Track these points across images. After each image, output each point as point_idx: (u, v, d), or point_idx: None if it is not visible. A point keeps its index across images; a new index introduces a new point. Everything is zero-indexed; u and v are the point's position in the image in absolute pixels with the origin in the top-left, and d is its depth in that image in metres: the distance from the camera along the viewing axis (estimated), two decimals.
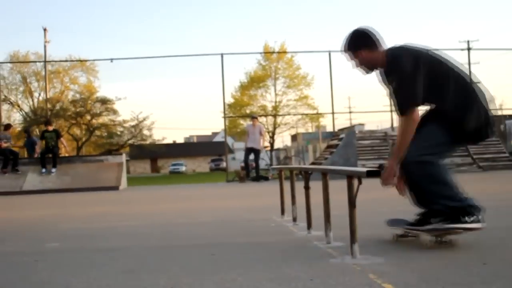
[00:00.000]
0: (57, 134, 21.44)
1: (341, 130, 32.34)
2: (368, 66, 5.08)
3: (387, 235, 5.47)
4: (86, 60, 53.79)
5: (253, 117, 24.06)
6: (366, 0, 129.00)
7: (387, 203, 9.77)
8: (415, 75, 4.74)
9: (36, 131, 39.77)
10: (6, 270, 4.42)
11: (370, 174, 3.77)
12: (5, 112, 53.28)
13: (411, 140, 4.73)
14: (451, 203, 4.80)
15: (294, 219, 6.51)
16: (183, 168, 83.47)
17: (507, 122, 25.88)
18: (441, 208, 4.79)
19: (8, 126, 23.31)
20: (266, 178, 22.26)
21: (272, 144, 54.64)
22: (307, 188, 5.60)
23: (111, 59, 27.90)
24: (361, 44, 5.03)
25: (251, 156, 21.82)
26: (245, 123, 53.36)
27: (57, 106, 52.07)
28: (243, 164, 23.01)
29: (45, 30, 44.86)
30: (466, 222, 4.72)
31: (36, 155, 21.96)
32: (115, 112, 54.83)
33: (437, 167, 4.88)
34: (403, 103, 4.76)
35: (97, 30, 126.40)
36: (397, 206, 9.01)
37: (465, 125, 4.82)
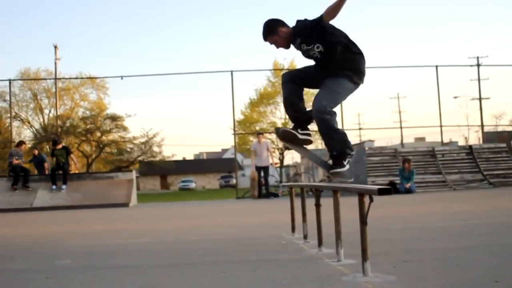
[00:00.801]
0: (67, 151, 21.53)
1: None
2: (287, 41, 6.18)
3: (398, 253, 5.46)
4: (96, 77, 54.12)
5: (258, 133, 23.99)
6: (374, 17, 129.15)
7: (398, 219, 9.76)
8: None
9: (46, 148, 39.92)
10: (17, 287, 4.42)
11: (382, 192, 3.75)
12: (16, 129, 53.64)
13: None
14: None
15: (305, 237, 6.50)
16: (192, 185, 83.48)
17: None
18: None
19: (20, 143, 23.40)
20: (276, 195, 22.25)
21: (281, 161, 54.60)
22: (318, 205, 5.59)
23: (122, 77, 28.04)
24: (277, 25, 6.13)
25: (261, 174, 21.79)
26: (254, 140, 53.31)
27: (67, 123, 52.30)
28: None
29: (55, 47, 45.16)
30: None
31: (46, 172, 22.02)
32: (125, 129, 54.98)
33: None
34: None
35: (108, 48, 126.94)
36: (409, 222, 9.02)
37: None
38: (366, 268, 4.14)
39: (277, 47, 6.27)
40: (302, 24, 6.10)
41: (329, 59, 6.07)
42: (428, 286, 3.76)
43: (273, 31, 6.16)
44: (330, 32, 6.00)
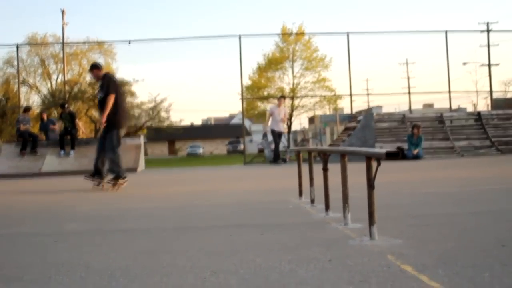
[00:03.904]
0: (71, 115, 21.46)
1: (359, 112, 32.25)
2: (97, 77, 11.06)
3: (405, 217, 5.47)
4: (104, 42, 53.88)
5: (280, 97, 23.32)
6: None
7: (406, 184, 9.77)
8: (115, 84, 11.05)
9: (54, 113, 39.98)
10: (26, 250, 4.46)
11: (390, 155, 3.74)
12: (24, 94, 53.60)
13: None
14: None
15: (312, 201, 6.50)
16: (200, 151, 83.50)
17: None
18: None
19: (27, 109, 23.40)
20: (283, 160, 22.26)
21: (289, 127, 54.51)
22: (325, 169, 5.58)
23: (129, 41, 27.93)
24: (97, 65, 11.34)
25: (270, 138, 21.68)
26: (262, 105, 53.12)
27: (75, 88, 52.19)
28: (261, 147, 22.83)
29: (63, 12, 45.02)
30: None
31: (56, 128, 21.90)
32: (132, 94, 54.73)
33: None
34: (111, 91, 10.64)
35: (115, 12, 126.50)
36: (416, 188, 9.03)
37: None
38: (373, 232, 4.15)
39: (93, 76, 11.30)
40: (108, 76, 11.14)
41: (102, 106, 10.79)
42: (435, 250, 3.77)
43: (96, 67, 11.21)
44: (117, 96, 10.75)
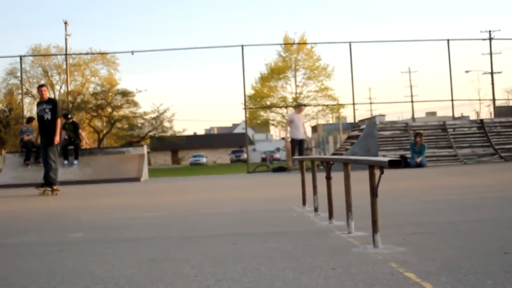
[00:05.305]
0: (75, 126, 21.47)
1: (362, 121, 32.23)
2: (44, 95, 13.23)
3: (408, 225, 5.48)
4: (106, 53, 54.05)
5: (300, 105, 23.34)
6: None
7: (409, 192, 9.77)
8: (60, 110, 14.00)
9: None
10: (31, 259, 4.48)
11: (392, 163, 3.76)
12: (27, 105, 53.73)
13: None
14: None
15: (316, 209, 6.52)
16: (203, 160, 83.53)
17: None
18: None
19: (30, 119, 23.43)
20: (286, 169, 22.26)
21: None
22: (328, 178, 5.60)
23: (132, 52, 27.98)
24: (45, 85, 14.01)
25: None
26: (265, 114, 53.18)
27: (78, 99, 52.38)
28: (264, 155, 22.80)
29: (66, 23, 45.10)
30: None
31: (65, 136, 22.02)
32: (135, 104, 55.03)
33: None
34: (60, 116, 13.32)
35: (118, 23, 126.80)
36: (419, 196, 9.03)
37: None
38: (376, 240, 4.16)
39: (41, 94, 13.26)
40: (57, 102, 13.65)
41: (48, 125, 12.86)
42: (437, 257, 3.78)
43: (46, 86, 13.67)
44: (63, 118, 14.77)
